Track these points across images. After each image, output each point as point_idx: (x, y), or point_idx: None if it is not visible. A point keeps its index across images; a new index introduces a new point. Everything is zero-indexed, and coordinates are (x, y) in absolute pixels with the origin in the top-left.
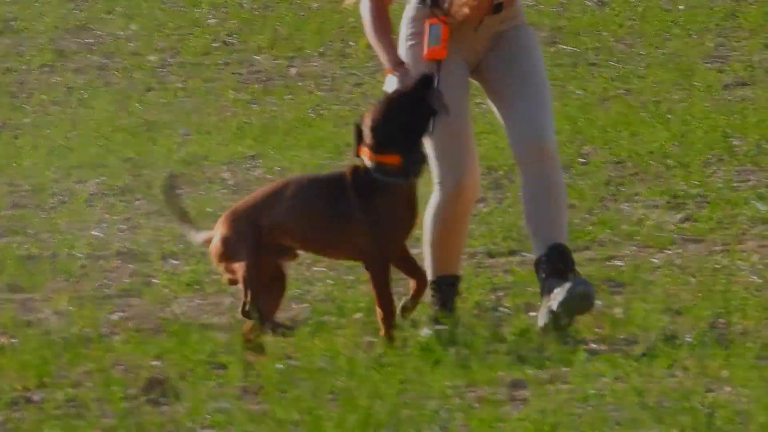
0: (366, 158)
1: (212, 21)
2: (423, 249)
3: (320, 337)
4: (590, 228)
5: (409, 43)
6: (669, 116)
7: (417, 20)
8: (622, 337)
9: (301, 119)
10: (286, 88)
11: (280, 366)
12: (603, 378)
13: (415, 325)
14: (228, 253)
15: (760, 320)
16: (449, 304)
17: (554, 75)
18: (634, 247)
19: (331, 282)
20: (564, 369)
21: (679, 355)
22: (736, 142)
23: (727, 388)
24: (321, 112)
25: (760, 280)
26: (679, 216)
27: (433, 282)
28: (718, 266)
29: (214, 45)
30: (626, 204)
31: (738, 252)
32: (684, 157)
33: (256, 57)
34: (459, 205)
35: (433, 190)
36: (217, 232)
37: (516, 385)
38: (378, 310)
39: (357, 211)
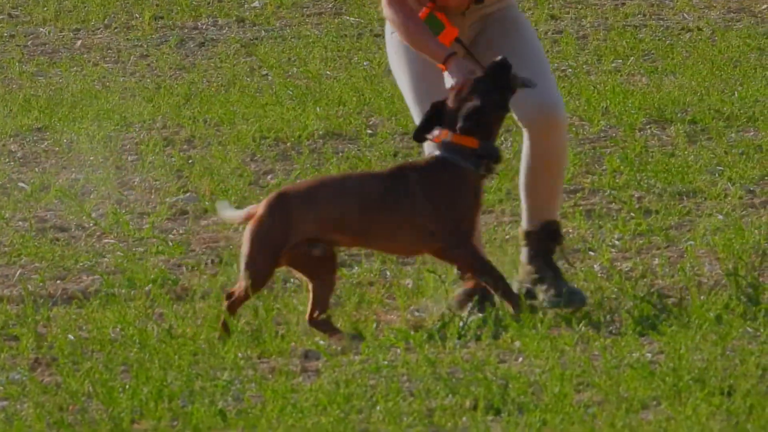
0: (441, 137)
1: None
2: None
3: (111, 309)
4: None
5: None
6: None
7: None
8: (413, 307)
9: (87, 91)
10: (71, 60)
11: (71, 338)
12: (395, 349)
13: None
14: (258, 235)
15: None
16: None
17: (339, 46)
18: None
19: (121, 254)
20: (356, 340)
21: (472, 326)
22: None
23: (520, 359)
24: (107, 84)
25: None
26: None
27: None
28: (508, 237)
29: None
30: None
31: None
32: None
33: (41, 29)
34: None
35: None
36: (261, 208)
37: (308, 356)
38: (490, 289)
39: (421, 199)
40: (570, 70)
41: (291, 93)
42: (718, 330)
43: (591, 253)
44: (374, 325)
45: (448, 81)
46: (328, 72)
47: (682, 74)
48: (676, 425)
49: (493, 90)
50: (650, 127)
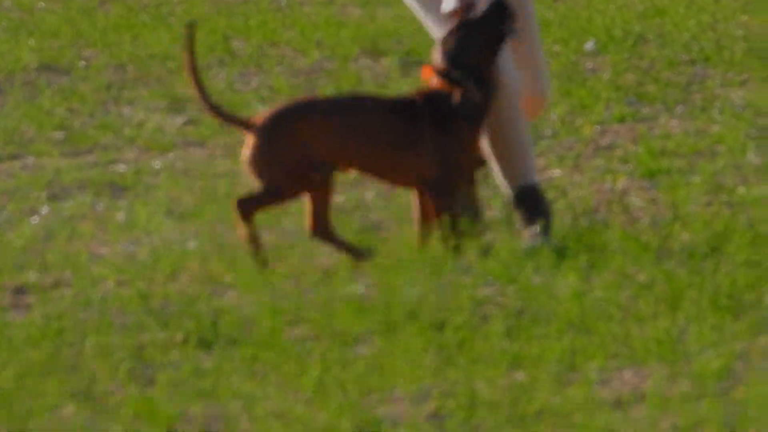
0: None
1: None
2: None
3: None
4: (92, 132)
5: None
6: (170, 18)
7: None
8: (126, 242)
9: None
10: None
11: None
12: (107, 282)
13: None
14: (265, 166)
15: (264, 228)
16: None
17: None
18: (136, 151)
19: None
20: (67, 273)
21: (183, 260)
22: (237, 45)
23: (232, 293)
24: None
25: None
26: (181, 119)
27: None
28: (221, 170)
29: None
30: (128, 107)
31: (239, 156)
32: (183, 61)
33: None
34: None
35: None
36: (253, 137)
37: (19, 290)
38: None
39: (429, 138)
40: (283, 2)
41: (4, 25)
42: (431, 264)
43: None
44: (86, 257)
45: (447, 4)
46: (42, 4)
47: (397, 6)
48: (390, 359)
49: (486, 33)
50: (364, 59)
